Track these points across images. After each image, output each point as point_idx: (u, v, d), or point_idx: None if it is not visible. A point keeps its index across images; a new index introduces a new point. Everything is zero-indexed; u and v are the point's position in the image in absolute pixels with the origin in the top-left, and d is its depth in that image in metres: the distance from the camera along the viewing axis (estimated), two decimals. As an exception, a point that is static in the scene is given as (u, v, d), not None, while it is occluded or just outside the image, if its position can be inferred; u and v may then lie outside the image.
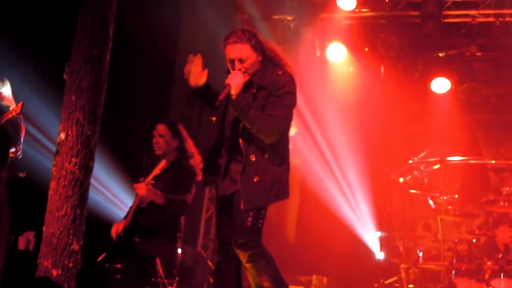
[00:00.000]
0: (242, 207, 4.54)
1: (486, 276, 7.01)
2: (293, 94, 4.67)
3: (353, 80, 10.49)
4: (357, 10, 9.85)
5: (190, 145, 6.07)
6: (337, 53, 10.21)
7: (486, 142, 10.35)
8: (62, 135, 6.63)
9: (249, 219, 4.56)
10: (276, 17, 10.40)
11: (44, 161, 8.10)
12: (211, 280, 9.26)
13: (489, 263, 7.09)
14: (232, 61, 4.68)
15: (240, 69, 4.62)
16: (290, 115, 4.69)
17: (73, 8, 7.00)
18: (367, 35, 10.10)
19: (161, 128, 6.12)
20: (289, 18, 10.46)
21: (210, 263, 9.80)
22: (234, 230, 4.62)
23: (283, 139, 4.72)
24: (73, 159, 6.09)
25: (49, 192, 6.63)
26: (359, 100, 10.53)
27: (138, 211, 5.43)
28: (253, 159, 4.60)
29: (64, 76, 6.86)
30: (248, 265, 4.58)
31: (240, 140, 4.64)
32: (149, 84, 9.27)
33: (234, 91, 4.51)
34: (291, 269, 8.93)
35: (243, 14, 10.27)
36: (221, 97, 4.51)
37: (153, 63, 9.26)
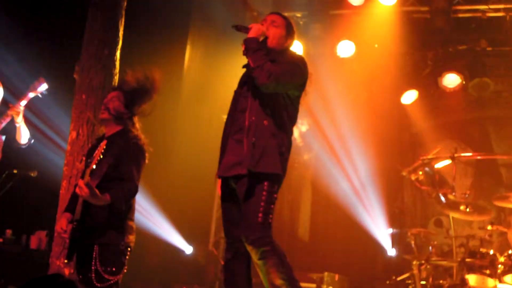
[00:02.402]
0: (244, 171, 4.59)
1: (499, 272, 6.98)
2: (298, 65, 4.82)
3: (363, 76, 10.46)
4: (366, 6, 9.83)
5: (137, 122, 5.33)
6: (346, 50, 10.18)
7: (497, 137, 10.29)
8: (73, 134, 6.66)
9: (260, 214, 4.53)
10: (286, 14, 10.34)
11: (55, 161, 8.13)
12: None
13: (501, 259, 7.06)
14: (264, 21, 5.01)
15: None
16: (292, 72, 4.78)
17: (83, 8, 7.02)
18: (377, 31, 10.07)
19: (115, 93, 5.31)
20: (299, 15, 10.45)
21: (221, 261, 9.80)
22: (245, 227, 4.59)
23: (283, 112, 4.79)
24: (84, 158, 6.08)
25: (61, 191, 6.66)
26: (369, 96, 10.51)
27: (86, 205, 4.95)
28: (253, 119, 4.69)
29: (75, 75, 6.88)
30: (260, 262, 4.54)
31: (249, 98, 4.77)
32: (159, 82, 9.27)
33: (252, 33, 4.81)
34: (303, 266, 8.92)
35: (253, 12, 10.26)
36: (240, 25, 4.89)
37: (163, 62, 9.27)
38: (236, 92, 4.96)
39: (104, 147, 4.78)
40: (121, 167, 4.94)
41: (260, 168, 4.58)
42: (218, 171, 4.86)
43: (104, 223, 4.94)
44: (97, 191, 4.70)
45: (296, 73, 4.79)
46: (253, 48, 4.75)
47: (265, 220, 4.54)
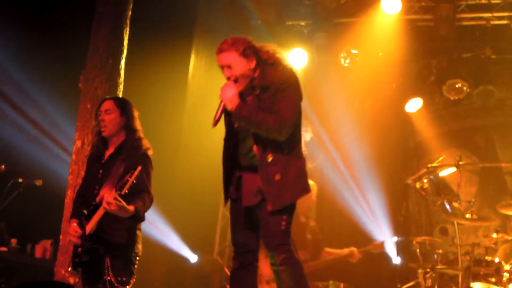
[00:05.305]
0: (270, 208, 4.50)
1: (504, 280, 6.96)
2: (296, 86, 4.63)
3: (367, 84, 10.46)
4: (370, 15, 9.85)
5: (139, 125, 5.32)
6: (350, 58, 10.19)
7: (502, 145, 10.28)
8: (78, 143, 6.68)
9: (283, 222, 4.54)
10: (290, 22, 10.41)
11: (60, 170, 8.15)
12: (228, 287, 9.25)
13: (506, 267, 7.05)
14: (222, 69, 4.68)
15: (229, 77, 4.63)
16: (296, 107, 4.62)
17: (87, 17, 7.05)
18: (381, 40, 10.08)
19: (107, 104, 5.26)
20: (303, 23, 10.47)
21: (226, 270, 9.79)
22: (268, 234, 4.59)
23: (296, 134, 4.67)
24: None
25: (65, 200, 6.67)
26: (374, 104, 10.51)
27: (103, 216, 4.91)
28: (270, 159, 4.55)
29: (80, 85, 6.91)
30: (280, 268, 4.54)
31: (254, 146, 4.62)
32: (164, 92, 9.30)
33: (229, 106, 4.53)
34: (308, 275, 8.88)
35: (257, 21, 10.29)
36: (216, 116, 4.58)
37: (167, 71, 9.30)
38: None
39: (138, 173, 4.72)
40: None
41: (284, 202, 4.56)
42: (243, 202, 4.75)
43: (116, 235, 4.97)
44: (124, 203, 4.69)
45: (298, 94, 4.65)
46: (245, 117, 4.51)
47: (287, 228, 4.57)
